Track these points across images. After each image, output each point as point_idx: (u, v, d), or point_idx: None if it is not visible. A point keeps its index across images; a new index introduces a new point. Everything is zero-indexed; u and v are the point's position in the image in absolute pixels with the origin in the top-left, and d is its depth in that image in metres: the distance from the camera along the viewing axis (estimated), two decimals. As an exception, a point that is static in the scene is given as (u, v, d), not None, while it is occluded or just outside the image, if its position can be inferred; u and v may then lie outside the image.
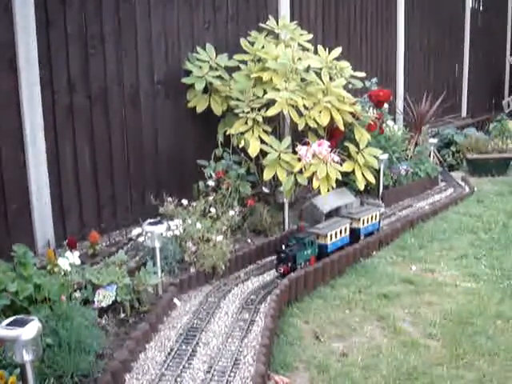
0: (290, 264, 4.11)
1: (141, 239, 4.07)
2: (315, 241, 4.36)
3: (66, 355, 2.72)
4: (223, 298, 3.83)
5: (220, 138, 5.09)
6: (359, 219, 4.84)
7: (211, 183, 4.74)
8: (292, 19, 6.02)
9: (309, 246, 4.26)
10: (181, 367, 2.95)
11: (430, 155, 7.27)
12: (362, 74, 5.73)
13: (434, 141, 7.47)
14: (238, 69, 5.28)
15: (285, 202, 4.85)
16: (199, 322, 3.47)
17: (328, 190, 4.69)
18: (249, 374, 2.90)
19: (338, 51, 5.56)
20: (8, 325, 2.23)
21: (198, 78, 5.03)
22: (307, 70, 5.24)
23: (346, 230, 4.66)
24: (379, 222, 5.14)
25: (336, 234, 4.53)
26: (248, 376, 2.88)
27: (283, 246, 4.17)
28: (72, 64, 4.28)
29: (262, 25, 5.59)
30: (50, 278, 3.12)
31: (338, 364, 3.27)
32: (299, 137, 5.17)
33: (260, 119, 4.88)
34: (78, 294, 3.26)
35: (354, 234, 4.80)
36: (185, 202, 4.50)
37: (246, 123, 4.87)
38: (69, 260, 3.43)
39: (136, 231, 4.22)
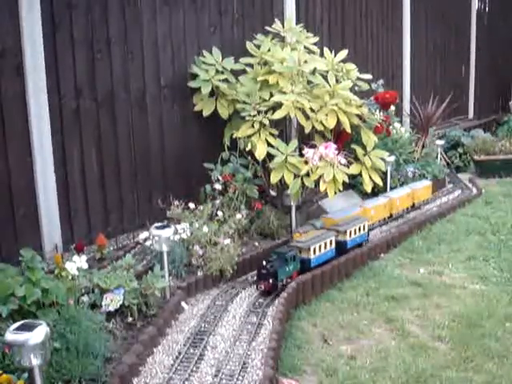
0: (271, 280, 3.86)
1: (148, 243, 4.07)
2: (297, 255, 4.13)
3: (74, 359, 2.73)
4: (231, 302, 3.82)
5: (226, 142, 5.09)
6: (345, 231, 4.57)
7: (218, 186, 4.74)
8: (298, 22, 6.02)
9: (291, 261, 4.02)
10: (189, 371, 2.95)
11: (437, 157, 7.25)
12: (369, 76, 5.72)
13: (441, 142, 7.44)
14: (244, 72, 5.28)
15: (292, 204, 4.85)
16: (207, 326, 3.47)
17: (335, 193, 4.68)
18: (257, 377, 2.90)
19: (344, 53, 5.57)
20: (16, 329, 2.25)
21: (205, 81, 5.03)
22: (313, 72, 5.24)
23: (331, 242, 4.40)
24: (368, 232, 4.87)
25: (320, 247, 4.27)
26: (256, 379, 2.88)
27: (264, 262, 3.91)
28: (79, 69, 4.29)
29: (267, 28, 5.60)
30: (57, 283, 3.13)
31: (346, 367, 3.26)
32: (306, 139, 5.17)
33: (267, 122, 4.87)
34: (85, 298, 3.27)
35: (341, 247, 4.53)
36: (192, 205, 4.50)
37: (253, 126, 4.87)
38: (76, 264, 3.45)
39: (143, 235, 4.24)
